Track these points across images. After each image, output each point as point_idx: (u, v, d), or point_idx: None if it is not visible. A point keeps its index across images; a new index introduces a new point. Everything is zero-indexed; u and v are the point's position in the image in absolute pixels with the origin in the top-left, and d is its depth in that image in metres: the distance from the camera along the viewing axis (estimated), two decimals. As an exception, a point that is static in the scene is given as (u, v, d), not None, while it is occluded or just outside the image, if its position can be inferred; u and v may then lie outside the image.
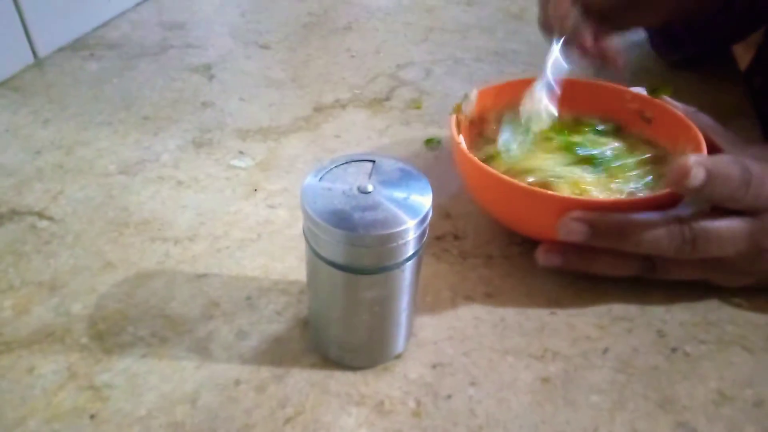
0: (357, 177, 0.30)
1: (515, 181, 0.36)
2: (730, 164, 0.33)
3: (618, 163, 0.40)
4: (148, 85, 0.58)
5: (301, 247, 0.31)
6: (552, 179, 0.38)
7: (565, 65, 0.44)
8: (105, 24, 0.69)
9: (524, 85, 0.44)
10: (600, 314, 0.37)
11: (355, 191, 0.29)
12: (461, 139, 0.40)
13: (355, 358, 0.33)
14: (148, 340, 0.34)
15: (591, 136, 0.43)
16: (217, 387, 0.32)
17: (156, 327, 0.35)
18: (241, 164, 0.48)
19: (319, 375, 0.33)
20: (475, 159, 0.37)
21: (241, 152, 0.50)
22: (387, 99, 0.58)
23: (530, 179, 0.38)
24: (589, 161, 0.40)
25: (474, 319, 0.36)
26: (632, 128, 0.44)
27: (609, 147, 0.41)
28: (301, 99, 0.57)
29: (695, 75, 0.61)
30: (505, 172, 0.37)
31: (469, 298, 0.37)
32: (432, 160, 0.50)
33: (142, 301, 0.36)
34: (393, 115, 0.55)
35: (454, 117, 0.41)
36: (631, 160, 0.40)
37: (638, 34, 0.65)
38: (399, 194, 0.29)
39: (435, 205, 0.29)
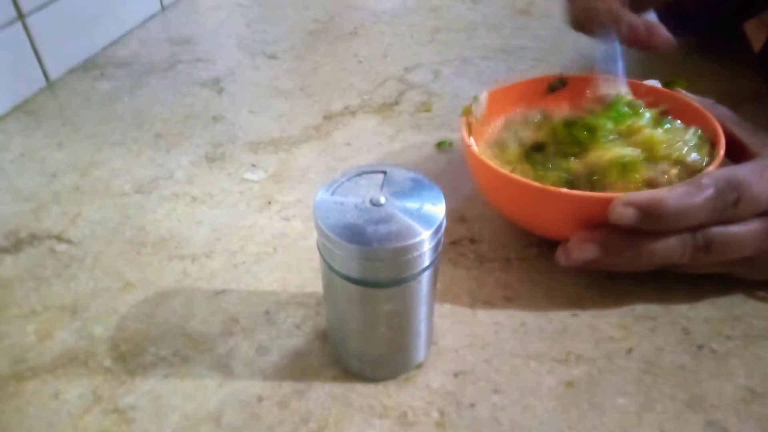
0: (369, 189, 0.30)
1: (529, 181, 0.36)
2: (688, 195, 0.32)
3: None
4: (159, 102, 0.59)
5: (317, 258, 0.31)
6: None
7: (621, 60, 0.42)
8: (114, 42, 0.70)
9: (538, 84, 0.44)
10: (623, 314, 0.36)
11: (368, 204, 0.29)
12: (472, 142, 0.40)
13: (376, 369, 0.33)
14: (169, 359, 0.34)
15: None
16: (240, 404, 0.32)
17: (177, 346, 0.35)
18: (254, 177, 0.49)
19: (340, 388, 0.32)
20: (489, 162, 0.37)
21: (253, 165, 0.50)
22: (396, 103, 0.58)
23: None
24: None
25: (494, 324, 0.36)
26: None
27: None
28: (311, 108, 0.57)
29: (708, 62, 0.60)
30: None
31: (488, 303, 0.37)
32: (444, 164, 0.50)
33: (163, 321, 0.36)
34: (403, 120, 0.55)
35: (464, 120, 0.41)
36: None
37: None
38: (412, 205, 0.29)
39: (449, 209, 0.29)
